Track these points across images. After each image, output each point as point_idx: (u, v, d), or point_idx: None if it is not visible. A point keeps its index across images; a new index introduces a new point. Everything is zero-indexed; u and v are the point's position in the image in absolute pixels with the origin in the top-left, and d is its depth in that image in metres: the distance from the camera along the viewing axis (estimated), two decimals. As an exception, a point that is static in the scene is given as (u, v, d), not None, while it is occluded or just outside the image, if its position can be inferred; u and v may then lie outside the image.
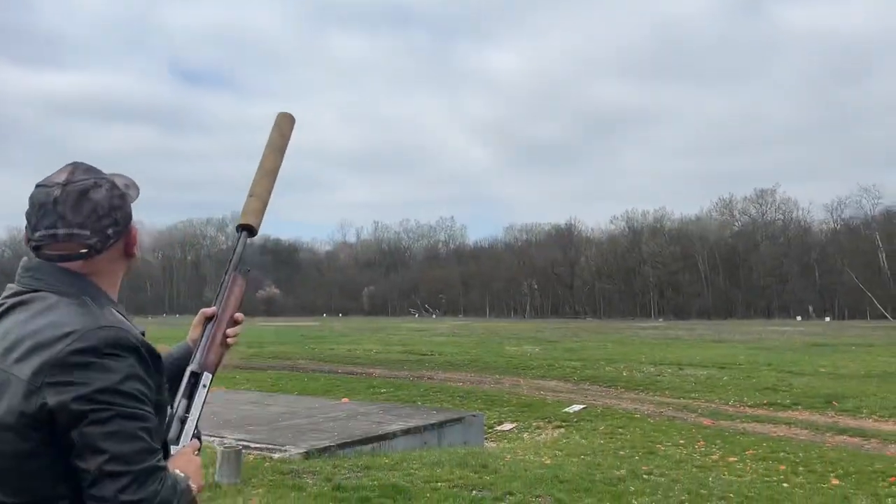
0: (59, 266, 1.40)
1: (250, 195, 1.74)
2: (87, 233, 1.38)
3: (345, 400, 15.04)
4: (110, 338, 1.28)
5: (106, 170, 1.57)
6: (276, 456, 8.80)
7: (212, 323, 1.63)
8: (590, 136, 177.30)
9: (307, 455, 8.77)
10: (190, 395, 1.52)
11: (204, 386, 1.54)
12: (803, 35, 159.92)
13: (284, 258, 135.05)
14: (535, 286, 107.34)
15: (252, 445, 9.31)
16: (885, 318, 74.01)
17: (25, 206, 1.45)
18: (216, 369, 1.59)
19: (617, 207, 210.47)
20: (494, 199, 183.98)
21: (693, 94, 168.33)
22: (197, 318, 1.67)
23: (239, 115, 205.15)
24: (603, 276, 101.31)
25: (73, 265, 1.40)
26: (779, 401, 15.04)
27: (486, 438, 12.60)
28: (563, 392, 17.42)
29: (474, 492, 6.92)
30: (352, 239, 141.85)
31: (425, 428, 10.90)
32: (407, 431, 10.55)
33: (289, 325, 67.56)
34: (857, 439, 11.45)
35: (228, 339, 1.64)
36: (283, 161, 1.85)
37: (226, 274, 1.71)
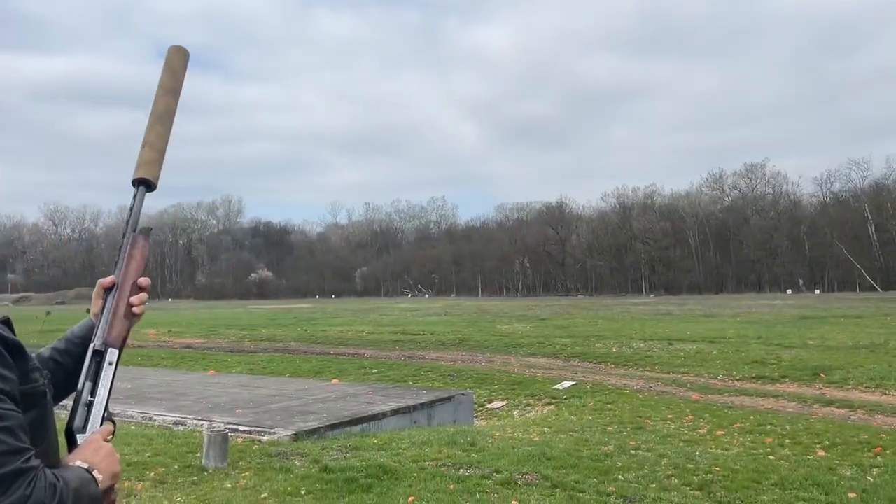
0: None
1: (143, 145, 1.57)
2: None
3: (335, 381, 15.05)
4: None
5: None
6: (264, 439, 8.79)
7: (112, 293, 1.47)
8: (579, 113, 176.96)
9: (296, 437, 8.77)
10: (95, 377, 1.39)
11: (110, 363, 1.40)
12: (791, 8, 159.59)
13: (276, 240, 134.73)
14: (527, 264, 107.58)
15: (240, 429, 9.30)
16: (875, 289, 74.60)
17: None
18: (122, 344, 1.44)
19: (607, 184, 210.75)
20: (485, 178, 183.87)
21: (682, 69, 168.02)
22: (96, 290, 1.51)
23: (228, 98, 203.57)
24: (594, 253, 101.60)
25: None
26: (767, 374, 15.13)
27: (476, 416, 12.65)
28: (553, 369, 17.48)
29: (461, 470, 6.93)
30: (343, 220, 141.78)
31: (415, 407, 10.92)
32: (396, 411, 10.56)
33: (281, 307, 67.50)
34: (843, 410, 11.54)
35: (133, 309, 1.47)
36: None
37: (124, 236, 1.54)
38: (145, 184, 1.55)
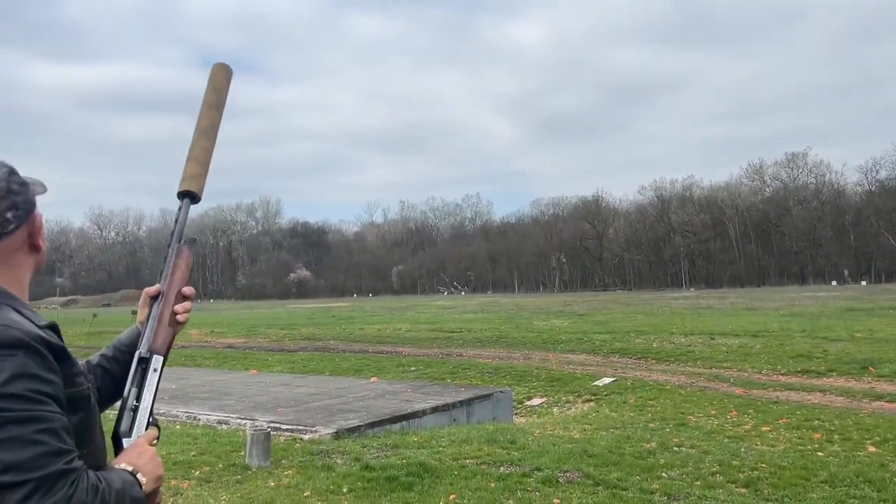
0: None
1: (188, 159, 1.63)
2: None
3: (374, 379, 15.14)
4: None
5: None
6: (306, 437, 8.89)
7: (158, 301, 1.53)
8: (613, 105, 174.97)
9: (337, 435, 8.85)
10: (140, 383, 1.43)
11: (155, 370, 1.45)
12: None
13: (314, 240, 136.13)
14: (564, 260, 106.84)
15: (283, 427, 9.41)
16: (924, 280, 72.34)
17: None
18: (167, 351, 1.49)
19: (644, 177, 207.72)
20: (520, 174, 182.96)
21: (717, 58, 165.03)
22: (142, 299, 1.57)
23: (264, 100, 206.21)
24: (632, 247, 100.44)
25: None
26: (813, 368, 14.78)
27: (515, 414, 12.61)
28: (593, 365, 17.33)
29: (502, 468, 6.91)
30: (379, 219, 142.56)
31: (454, 405, 10.92)
32: (436, 409, 10.58)
33: (320, 306, 68.19)
34: (894, 405, 11.22)
35: (178, 317, 1.53)
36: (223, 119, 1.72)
37: (169, 246, 1.59)
38: (190, 196, 1.61)
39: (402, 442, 8.35)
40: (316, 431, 9.07)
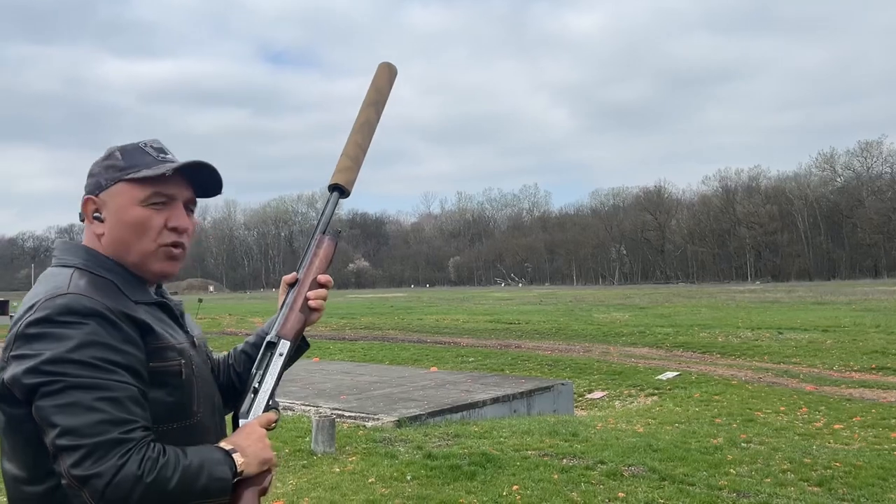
0: (70, 241, 1.43)
1: (342, 153, 1.64)
2: (84, 192, 1.42)
3: (433, 369, 15.24)
4: (64, 305, 1.22)
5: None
6: (368, 424, 9.01)
7: (293, 288, 1.56)
8: (675, 94, 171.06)
9: (398, 423, 8.94)
10: (266, 366, 1.45)
11: (280, 355, 1.46)
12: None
13: (372, 231, 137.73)
14: (624, 251, 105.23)
15: (346, 414, 9.57)
16: None
17: None
18: (297, 336, 1.51)
19: (708, 167, 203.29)
20: (578, 164, 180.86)
21: (784, 45, 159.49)
22: (281, 287, 1.60)
23: (325, 93, 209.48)
24: (695, 238, 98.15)
25: (84, 239, 1.43)
26: (889, 365, 14.19)
27: (575, 407, 12.50)
28: (655, 359, 17.03)
29: (564, 460, 6.87)
30: (436, 210, 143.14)
31: (514, 396, 10.90)
32: (496, 400, 10.58)
33: (378, 296, 68.93)
34: (978, 406, 10.69)
35: (310, 303, 1.54)
36: (381, 114, 1.72)
37: (312, 237, 1.62)
38: (339, 189, 1.63)
39: (463, 431, 8.38)
40: (378, 419, 9.19)
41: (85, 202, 1.41)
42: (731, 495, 5.82)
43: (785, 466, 6.67)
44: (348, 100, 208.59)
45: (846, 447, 7.94)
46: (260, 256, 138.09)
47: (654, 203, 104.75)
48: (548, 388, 11.63)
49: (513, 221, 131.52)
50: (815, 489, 6.03)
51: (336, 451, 7.41)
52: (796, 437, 8.49)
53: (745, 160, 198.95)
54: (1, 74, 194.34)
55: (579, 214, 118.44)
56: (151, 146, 1.45)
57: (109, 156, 1.43)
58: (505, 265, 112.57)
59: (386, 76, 1.74)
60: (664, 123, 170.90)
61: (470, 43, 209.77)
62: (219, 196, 1.56)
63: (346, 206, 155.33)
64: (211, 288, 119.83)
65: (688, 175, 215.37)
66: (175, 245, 1.43)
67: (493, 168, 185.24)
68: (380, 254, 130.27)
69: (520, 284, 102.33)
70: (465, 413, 9.90)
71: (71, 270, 1.34)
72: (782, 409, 10.66)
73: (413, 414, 9.40)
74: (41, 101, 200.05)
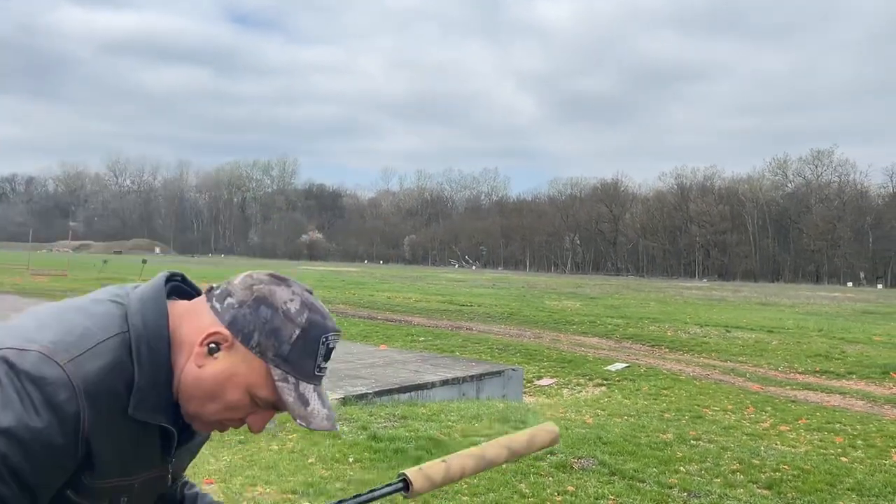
0: (162, 297, 1.11)
1: (443, 459, 1.36)
2: (226, 315, 1.10)
3: (383, 347, 14.93)
4: (38, 370, 0.95)
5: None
6: (312, 400, 8.67)
7: None
8: (639, 90, 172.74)
9: (344, 401, 8.62)
10: None
11: None
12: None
13: (328, 203, 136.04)
14: (578, 241, 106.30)
15: (288, 389, 9.21)
16: (942, 288, 71.38)
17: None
18: None
19: (665, 164, 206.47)
20: (540, 152, 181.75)
21: (748, 50, 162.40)
22: None
23: (290, 60, 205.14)
24: (647, 233, 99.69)
25: (178, 326, 1.09)
26: (832, 369, 14.43)
27: (524, 393, 12.36)
28: (605, 349, 17.05)
29: (514, 449, 6.66)
30: (395, 187, 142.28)
31: (464, 379, 10.68)
32: (445, 382, 10.34)
33: (331, 269, 68.19)
34: (917, 414, 10.87)
35: None
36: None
37: None
38: (406, 486, 1.27)
39: (410, 413, 8.11)
40: (322, 395, 8.86)
41: (217, 332, 1.08)
42: (682, 494, 5.68)
43: (734, 467, 6.58)
44: (313, 68, 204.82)
45: (793, 450, 7.93)
46: (210, 221, 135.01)
47: (611, 196, 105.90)
48: (498, 373, 11.44)
49: (471, 204, 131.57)
50: (765, 492, 5.94)
51: (276, 427, 7.05)
52: (744, 437, 8.46)
53: (702, 159, 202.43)
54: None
55: (536, 202, 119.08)
56: (327, 347, 1.14)
57: (287, 317, 1.11)
58: (460, 247, 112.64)
59: (546, 440, 1.53)
60: (626, 118, 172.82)
61: (440, 20, 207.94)
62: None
63: (303, 176, 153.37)
64: (157, 249, 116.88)
65: (645, 170, 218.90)
66: (226, 427, 1.15)
67: (455, 148, 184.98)
68: (334, 227, 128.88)
69: (473, 267, 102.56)
70: (413, 394, 9.62)
71: (120, 333, 1.03)
72: (729, 407, 10.68)
73: (359, 392, 9.08)
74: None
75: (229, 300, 1.10)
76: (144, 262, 45.34)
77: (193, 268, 59.50)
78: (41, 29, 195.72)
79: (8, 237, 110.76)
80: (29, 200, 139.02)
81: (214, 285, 1.13)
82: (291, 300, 1.12)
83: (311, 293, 1.16)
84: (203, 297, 1.13)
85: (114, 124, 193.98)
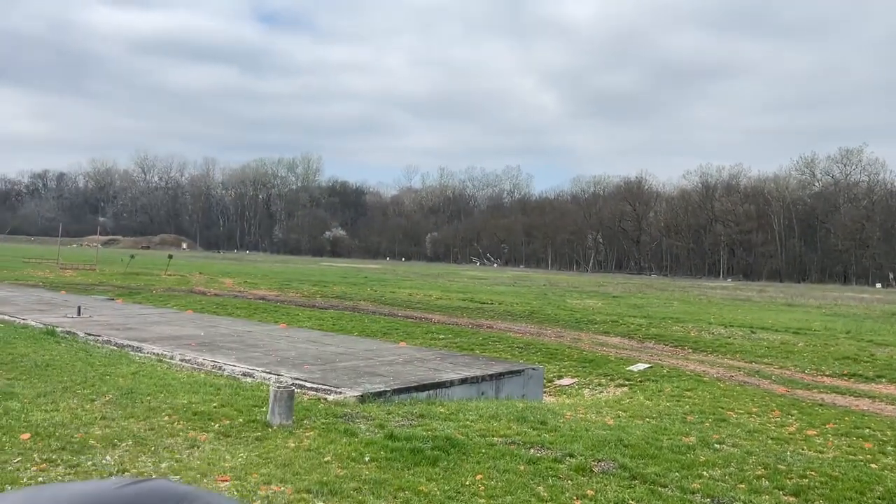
0: None
1: None
2: None
3: (402, 344, 14.87)
4: None
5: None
6: (330, 398, 8.63)
7: None
8: (664, 87, 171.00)
9: (362, 399, 8.57)
10: None
11: None
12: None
13: (351, 200, 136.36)
14: (601, 240, 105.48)
15: (307, 385, 9.18)
16: (975, 290, 69.71)
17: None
18: None
19: (690, 162, 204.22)
20: (562, 149, 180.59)
21: (774, 47, 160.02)
22: None
23: (316, 58, 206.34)
24: (672, 232, 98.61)
25: None
26: (860, 372, 14.11)
27: (544, 392, 12.23)
28: (627, 349, 16.83)
29: (532, 450, 6.55)
30: (417, 184, 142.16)
31: (483, 378, 10.59)
32: (464, 381, 10.25)
33: (353, 266, 68.38)
34: (949, 419, 10.56)
35: None
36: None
37: None
38: None
39: (428, 412, 8.03)
40: (341, 393, 8.82)
41: None
42: (705, 500, 5.54)
43: (759, 472, 6.41)
44: (339, 67, 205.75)
45: (821, 455, 7.73)
46: (236, 217, 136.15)
47: (634, 194, 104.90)
48: (518, 373, 11.33)
49: (493, 201, 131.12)
50: (791, 499, 5.77)
51: (293, 423, 7.02)
52: (770, 441, 8.26)
53: (727, 158, 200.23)
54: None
55: (559, 199, 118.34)
56: None
57: None
58: (482, 244, 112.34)
59: None
60: (650, 115, 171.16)
61: (464, 19, 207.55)
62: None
63: (326, 173, 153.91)
64: (184, 245, 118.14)
65: (669, 168, 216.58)
66: None
67: (478, 146, 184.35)
68: (357, 224, 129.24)
69: (495, 265, 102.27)
70: (431, 392, 9.55)
71: None
72: (754, 410, 10.46)
73: (378, 390, 9.04)
74: (25, 43, 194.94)
75: None
76: (170, 257, 45.83)
77: (219, 263, 60.04)
78: (72, 27, 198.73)
79: (39, 232, 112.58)
80: (59, 196, 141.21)
81: None
82: None
83: None
84: None
85: (142, 121, 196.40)
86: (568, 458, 6.36)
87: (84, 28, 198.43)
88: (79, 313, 16.13)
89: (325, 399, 8.56)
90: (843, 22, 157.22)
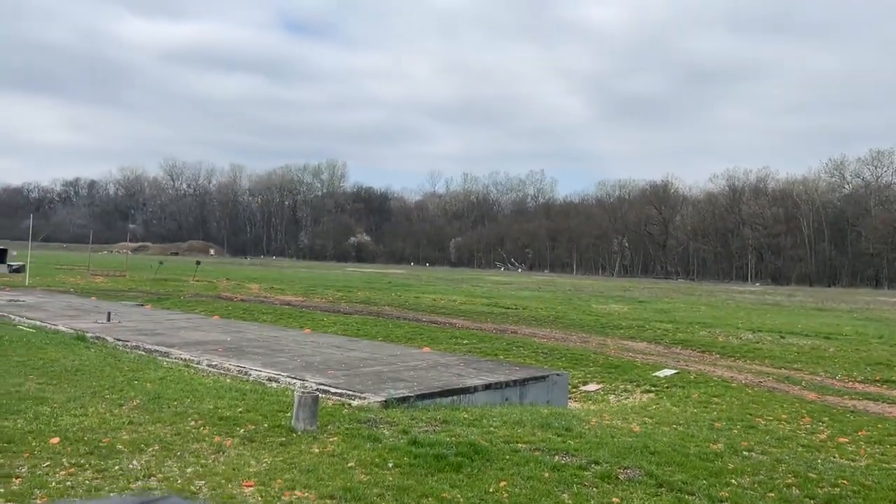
0: None
1: None
2: None
3: (426, 349, 14.87)
4: None
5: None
6: (354, 403, 8.65)
7: None
8: (689, 91, 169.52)
9: (385, 404, 8.57)
10: None
11: None
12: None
13: (376, 206, 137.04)
14: (626, 244, 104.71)
15: (331, 390, 9.20)
16: None
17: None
18: None
19: (717, 165, 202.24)
20: (587, 153, 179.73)
21: (801, 48, 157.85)
22: None
23: (341, 66, 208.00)
24: (698, 235, 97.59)
25: None
26: (894, 378, 13.80)
27: (569, 398, 12.14)
28: (654, 355, 16.65)
29: (556, 457, 6.49)
30: (441, 190, 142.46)
31: (507, 384, 10.54)
32: (488, 386, 10.21)
33: (377, 271, 68.62)
34: None
35: None
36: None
37: None
38: None
39: (452, 417, 8.01)
40: (365, 398, 8.82)
41: None
42: (734, 509, 5.44)
43: (789, 480, 6.29)
44: (364, 74, 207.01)
45: (853, 463, 7.56)
46: (263, 223, 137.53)
47: (660, 198, 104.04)
48: (542, 378, 11.26)
49: (517, 206, 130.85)
50: (823, 508, 5.65)
51: (317, 429, 7.04)
52: (800, 449, 8.10)
53: (754, 161, 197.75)
54: (20, 24, 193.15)
55: (584, 204, 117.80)
56: None
57: None
58: (506, 249, 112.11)
59: None
60: (676, 118, 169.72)
61: (487, 23, 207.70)
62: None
63: (351, 179, 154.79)
64: (212, 251, 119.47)
65: (695, 172, 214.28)
66: None
67: (501, 151, 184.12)
68: (381, 229, 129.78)
69: (519, 270, 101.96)
70: (455, 398, 9.52)
71: None
72: (784, 416, 10.28)
73: (401, 395, 9.03)
74: (59, 55, 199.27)
75: None
76: (198, 263, 46.36)
77: (246, 269, 60.61)
78: (105, 39, 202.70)
79: (71, 239, 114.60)
80: (91, 204, 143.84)
81: None
82: None
83: None
84: None
85: (171, 130, 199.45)
86: (593, 465, 6.30)
87: (116, 40, 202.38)
88: (108, 319, 16.36)
89: (349, 404, 8.58)
90: (866, 23, 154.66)
